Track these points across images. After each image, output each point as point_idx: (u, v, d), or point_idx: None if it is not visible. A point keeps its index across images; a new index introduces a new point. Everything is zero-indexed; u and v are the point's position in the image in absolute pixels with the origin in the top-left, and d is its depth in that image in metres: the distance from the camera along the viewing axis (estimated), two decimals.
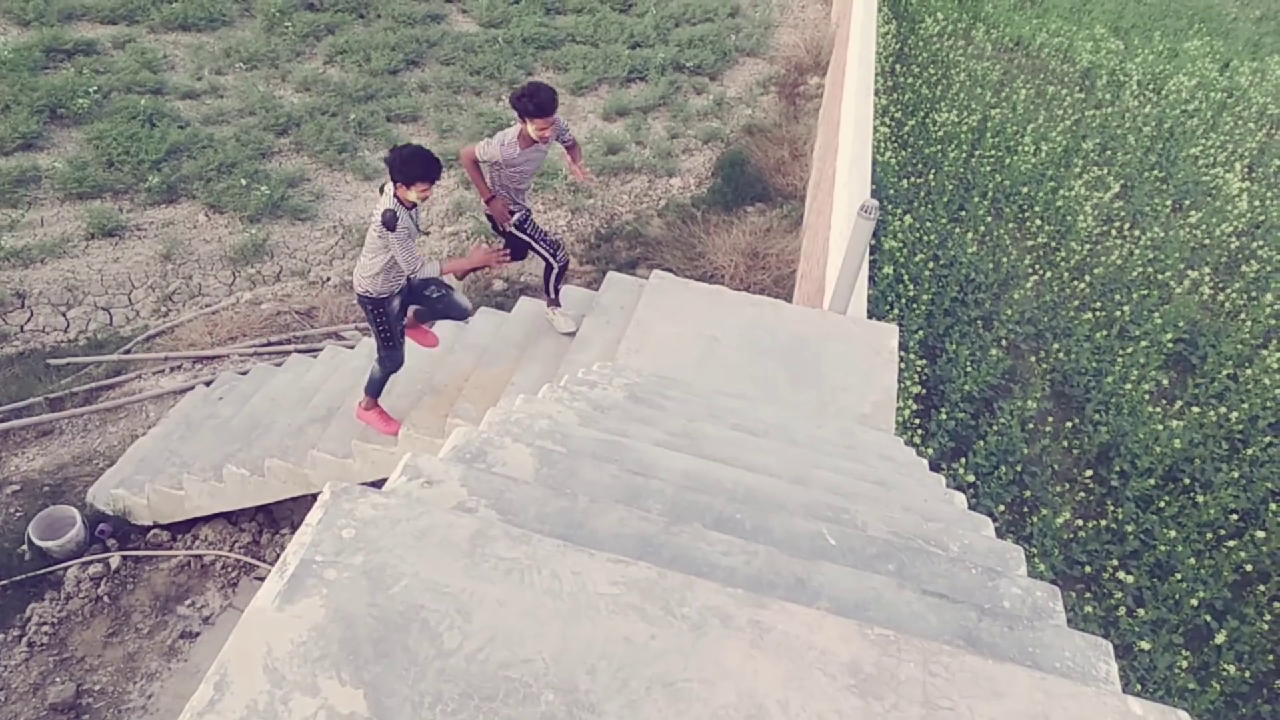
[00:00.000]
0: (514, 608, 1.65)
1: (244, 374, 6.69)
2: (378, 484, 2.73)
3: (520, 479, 2.25)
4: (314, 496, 5.25)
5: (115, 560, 5.53)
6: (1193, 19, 15.80)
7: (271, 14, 11.19)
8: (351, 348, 6.58)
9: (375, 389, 5.02)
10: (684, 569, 1.95)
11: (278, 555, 5.74)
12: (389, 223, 4.22)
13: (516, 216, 5.10)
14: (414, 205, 4.34)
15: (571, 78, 11.13)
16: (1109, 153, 10.76)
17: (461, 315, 5.13)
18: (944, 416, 6.76)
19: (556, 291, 5.45)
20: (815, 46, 12.53)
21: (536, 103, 4.57)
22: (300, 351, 7.02)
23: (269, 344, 7.20)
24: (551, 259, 5.25)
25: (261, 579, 5.58)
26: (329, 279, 7.95)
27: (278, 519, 6.02)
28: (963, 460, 6.52)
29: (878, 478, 3.40)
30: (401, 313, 4.80)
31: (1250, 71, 13.55)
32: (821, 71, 12.08)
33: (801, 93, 11.76)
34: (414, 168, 4.16)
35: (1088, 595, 5.88)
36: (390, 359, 4.89)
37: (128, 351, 7.03)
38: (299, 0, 11.65)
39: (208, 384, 6.67)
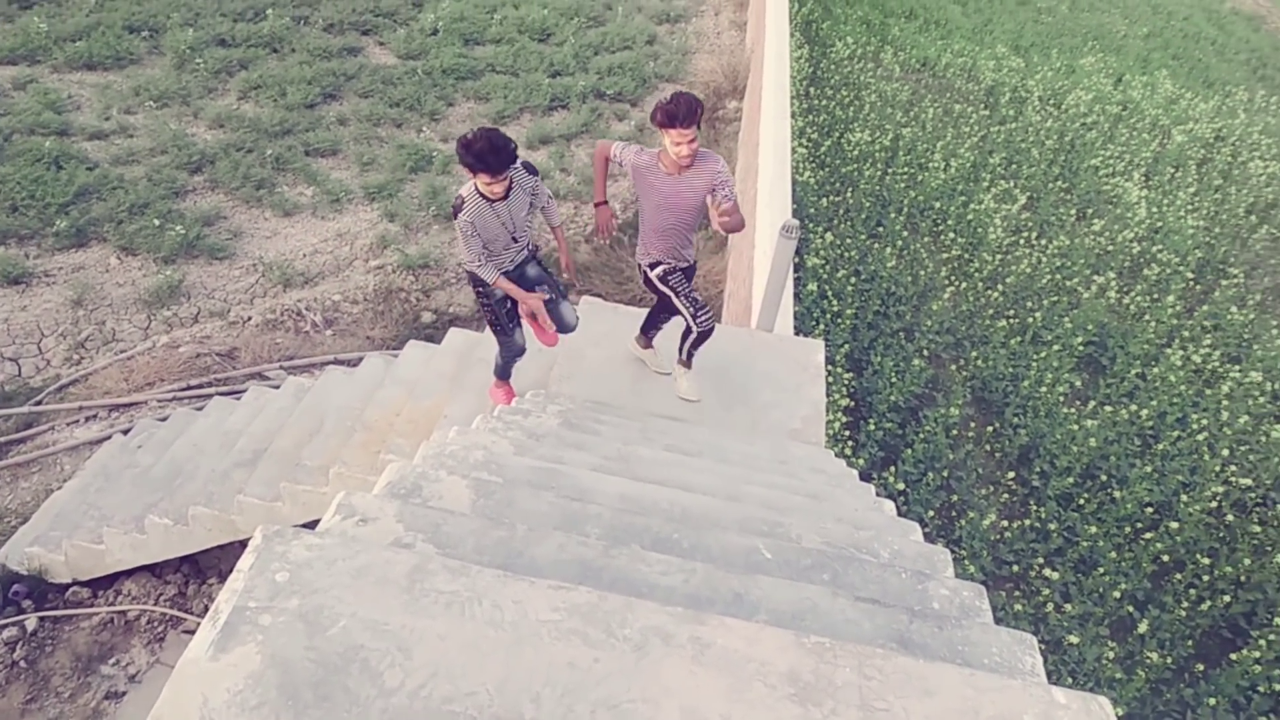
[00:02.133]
0: (455, 641, 1.65)
1: (163, 420, 6.47)
2: (310, 526, 2.68)
3: (457, 511, 2.25)
4: (243, 543, 5.10)
5: (31, 622, 5.27)
6: (1086, 37, 16.66)
7: (181, 51, 10.96)
8: (276, 387, 6.44)
9: (502, 372, 4.81)
10: (624, 591, 1.97)
11: (206, 606, 5.55)
12: (453, 209, 3.89)
13: (660, 269, 4.30)
14: (493, 199, 3.87)
15: (493, 107, 11.16)
16: (1015, 166, 11.23)
17: (563, 328, 4.56)
18: (872, 427, 6.93)
19: (690, 354, 4.68)
20: (732, 71, 12.81)
21: (666, 110, 3.65)
22: (222, 394, 6.83)
23: (189, 388, 6.99)
24: (692, 322, 4.38)
25: (190, 632, 5.39)
26: (250, 318, 7.77)
27: (204, 569, 5.83)
28: (892, 469, 6.68)
29: (810, 491, 3.48)
30: (508, 304, 4.40)
31: (1141, 85, 14.33)
32: (739, 96, 12.36)
33: (721, 117, 12.00)
34: (465, 156, 3.66)
35: (1017, 594, 6.07)
36: (506, 347, 4.59)
37: (39, 403, 6.75)
38: (210, 36, 11.44)
39: (125, 433, 6.44)
